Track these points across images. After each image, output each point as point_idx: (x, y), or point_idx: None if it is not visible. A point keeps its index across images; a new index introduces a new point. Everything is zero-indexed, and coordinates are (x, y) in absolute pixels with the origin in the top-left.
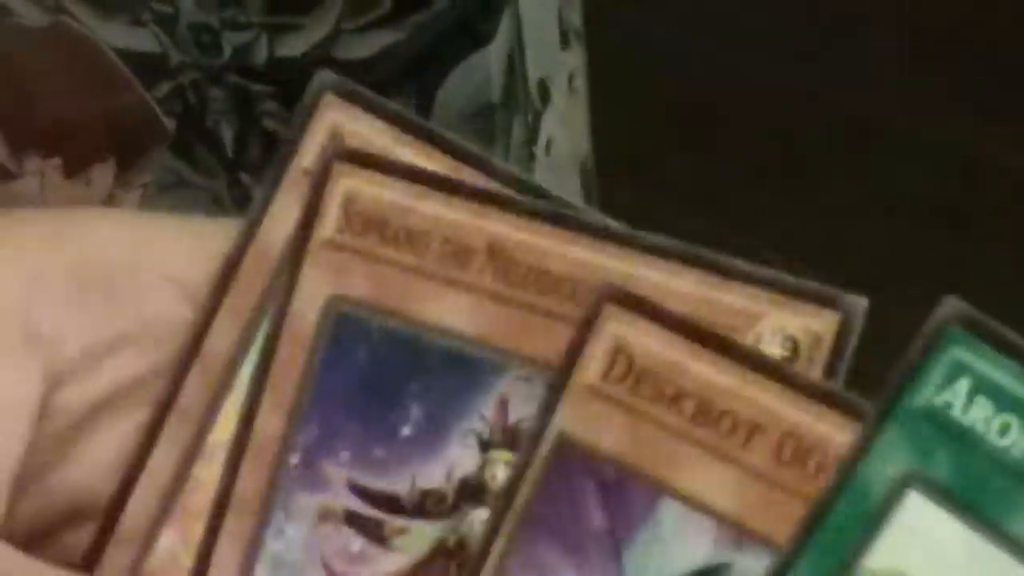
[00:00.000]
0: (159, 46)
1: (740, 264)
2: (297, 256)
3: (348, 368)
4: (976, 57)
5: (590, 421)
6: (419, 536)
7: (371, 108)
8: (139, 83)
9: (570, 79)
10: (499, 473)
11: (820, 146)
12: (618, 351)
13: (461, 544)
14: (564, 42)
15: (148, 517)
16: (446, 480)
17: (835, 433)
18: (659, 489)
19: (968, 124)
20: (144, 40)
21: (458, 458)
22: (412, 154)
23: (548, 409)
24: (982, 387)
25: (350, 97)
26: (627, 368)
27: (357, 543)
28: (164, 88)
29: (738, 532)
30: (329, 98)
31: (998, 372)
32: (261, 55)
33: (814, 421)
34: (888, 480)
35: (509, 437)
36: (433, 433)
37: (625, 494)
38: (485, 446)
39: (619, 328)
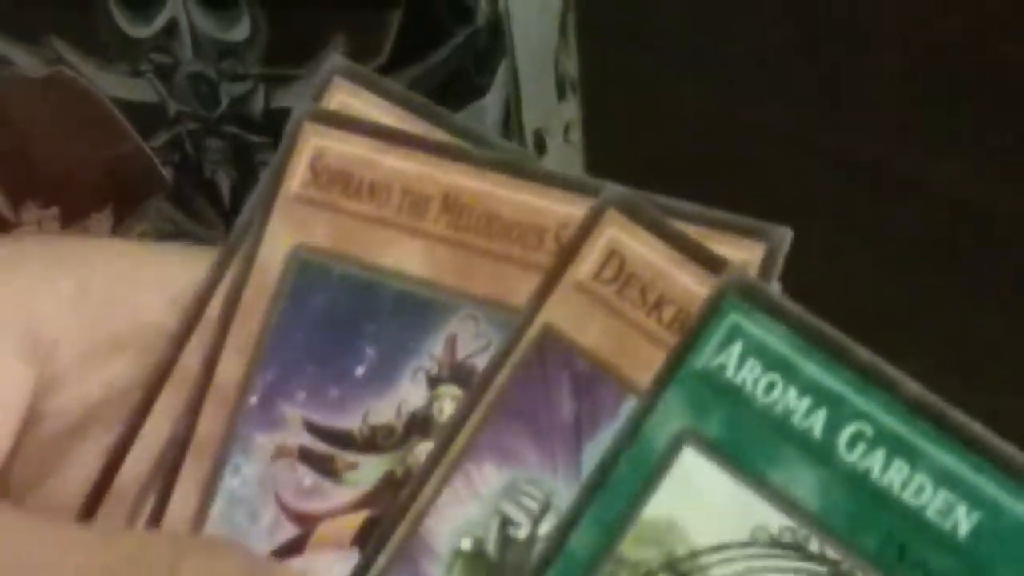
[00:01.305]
0: (157, 96)
1: (678, 204)
2: (265, 209)
3: (308, 313)
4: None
5: (575, 316)
6: (368, 469)
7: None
8: (137, 133)
9: (566, 130)
10: (446, 407)
11: (824, 189)
12: (612, 254)
13: (409, 475)
14: (560, 93)
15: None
16: (396, 415)
17: None
18: (627, 389)
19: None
20: (142, 90)
21: (408, 394)
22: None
23: (537, 301)
24: (752, 349)
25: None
26: (618, 270)
27: (309, 478)
28: (162, 138)
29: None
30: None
31: (768, 335)
32: (258, 106)
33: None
34: (668, 437)
35: (456, 373)
36: (385, 372)
37: (595, 390)
38: (434, 382)
39: (616, 233)
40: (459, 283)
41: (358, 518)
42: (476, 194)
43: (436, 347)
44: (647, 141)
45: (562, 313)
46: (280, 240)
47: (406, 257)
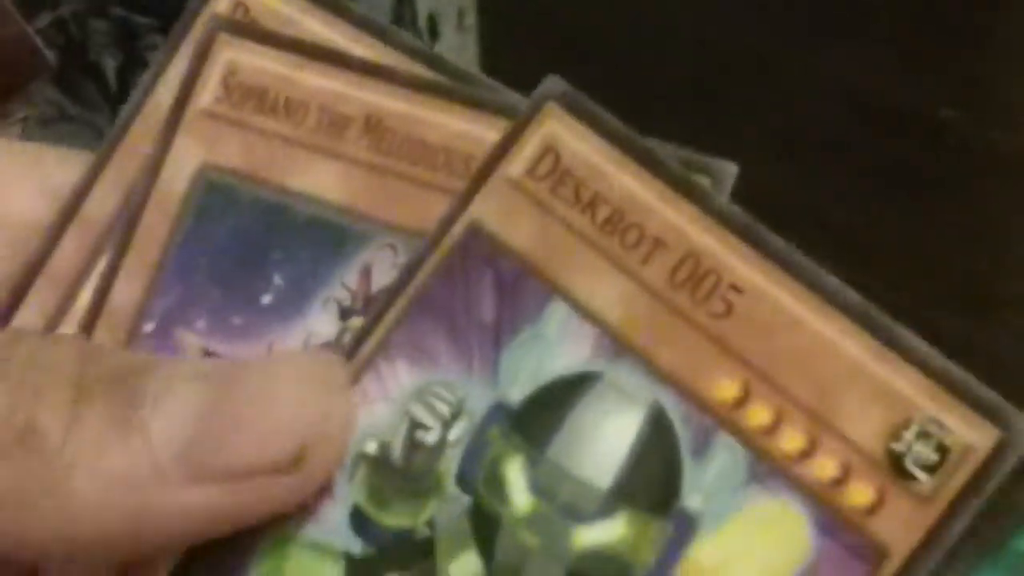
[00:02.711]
0: None
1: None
2: (171, 125)
3: (212, 237)
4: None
5: (505, 214)
6: None
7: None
8: (19, 14)
9: (460, 15)
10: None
11: (728, 83)
12: (547, 149)
13: None
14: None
15: None
16: (302, 346)
17: (735, 261)
18: (552, 291)
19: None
20: None
21: (317, 325)
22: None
23: (465, 197)
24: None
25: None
26: (552, 167)
27: None
28: (45, 19)
29: (617, 344)
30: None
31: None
32: None
33: (717, 246)
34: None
35: (368, 303)
36: (294, 301)
37: (519, 291)
38: (345, 313)
39: (554, 127)
40: (378, 210)
41: None
42: (400, 116)
43: (349, 276)
44: (544, 28)
45: (490, 210)
46: (187, 159)
47: (321, 181)
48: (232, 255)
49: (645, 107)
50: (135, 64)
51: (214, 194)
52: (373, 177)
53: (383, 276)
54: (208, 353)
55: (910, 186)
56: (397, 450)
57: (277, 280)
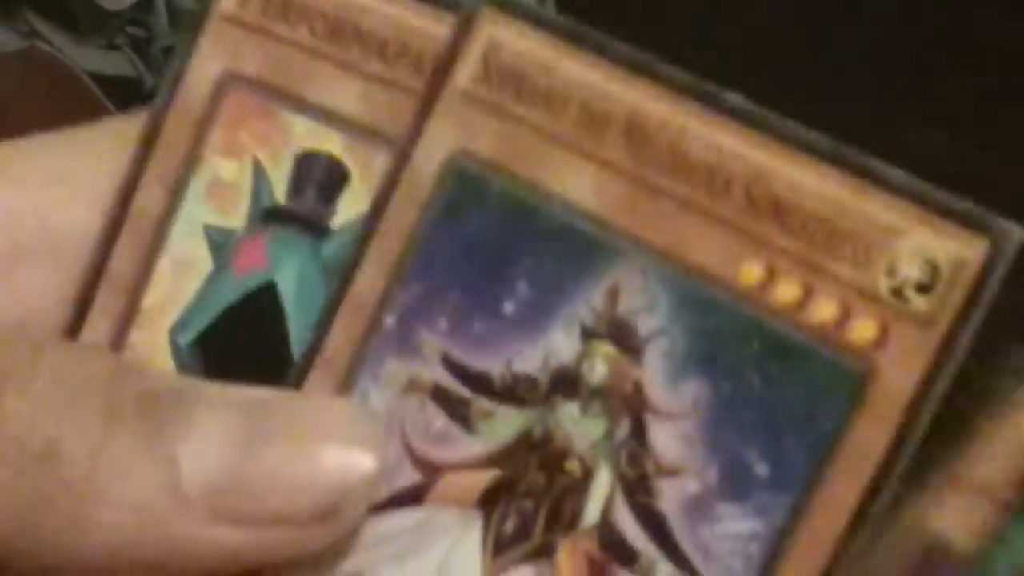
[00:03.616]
0: (133, 70)
1: (890, 171)
2: (427, 105)
3: (460, 230)
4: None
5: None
6: (504, 422)
7: None
8: (113, 107)
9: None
10: (598, 367)
11: None
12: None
13: (547, 437)
14: None
15: None
16: (542, 366)
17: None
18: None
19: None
20: (118, 64)
21: (557, 344)
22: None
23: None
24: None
25: None
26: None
27: (440, 421)
28: (138, 111)
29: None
30: None
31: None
32: None
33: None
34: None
35: (613, 329)
36: (536, 314)
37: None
38: (587, 335)
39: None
40: (631, 225)
41: (487, 476)
42: (663, 123)
43: (595, 295)
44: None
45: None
46: (439, 143)
47: (576, 184)
48: (477, 254)
49: None
50: None
51: (464, 183)
52: (629, 187)
53: (630, 300)
54: (447, 358)
55: None
56: None
57: (522, 288)
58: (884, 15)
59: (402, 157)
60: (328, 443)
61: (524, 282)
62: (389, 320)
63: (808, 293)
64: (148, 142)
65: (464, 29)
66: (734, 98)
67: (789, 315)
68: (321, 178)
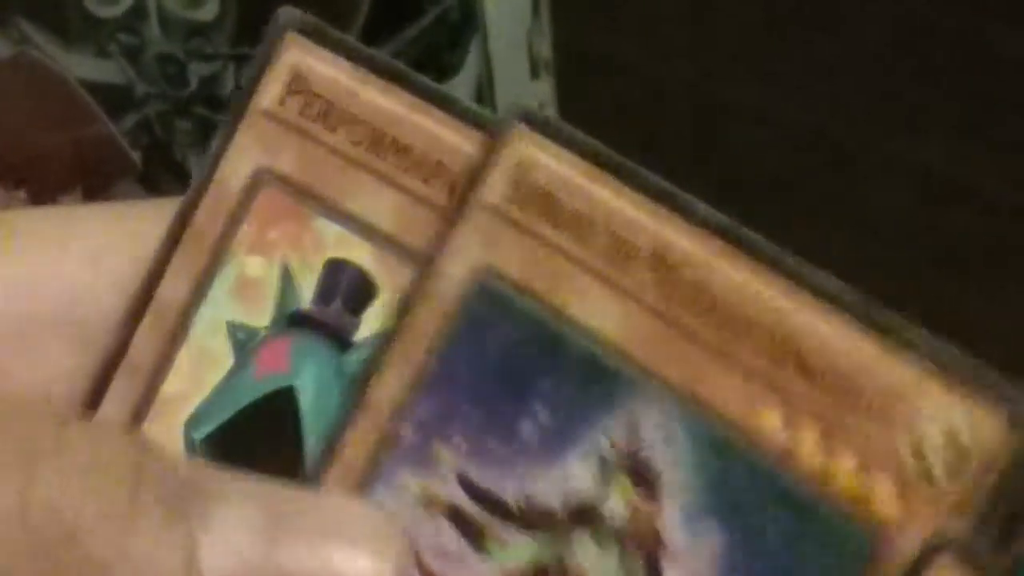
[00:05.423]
0: (125, 77)
1: (917, 333)
2: (455, 216)
3: (481, 346)
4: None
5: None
6: (518, 550)
7: (336, 47)
8: (105, 115)
9: (540, 109)
10: (615, 500)
11: (804, 170)
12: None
13: (561, 569)
14: (534, 72)
15: None
16: (558, 494)
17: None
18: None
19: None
20: (110, 71)
21: (574, 473)
22: (377, 94)
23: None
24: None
25: (314, 35)
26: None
27: (454, 541)
28: (130, 120)
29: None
30: (292, 36)
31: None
32: (228, 86)
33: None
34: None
35: (631, 464)
36: (553, 440)
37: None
38: (605, 467)
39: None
40: (653, 358)
41: None
42: (689, 259)
43: (614, 427)
44: (622, 122)
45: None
46: (466, 257)
47: (601, 312)
48: (496, 372)
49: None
50: None
51: (488, 300)
52: (653, 320)
53: (647, 434)
54: (463, 478)
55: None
56: None
57: (539, 411)
58: (882, 20)
59: (428, 266)
60: (348, 545)
61: (542, 406)
62: (406, 430)
63: (827, 449)
64: (178, 230)
65: (496, 145)
66: (763, 242)
67: (806, 469)
68: (349, 289)
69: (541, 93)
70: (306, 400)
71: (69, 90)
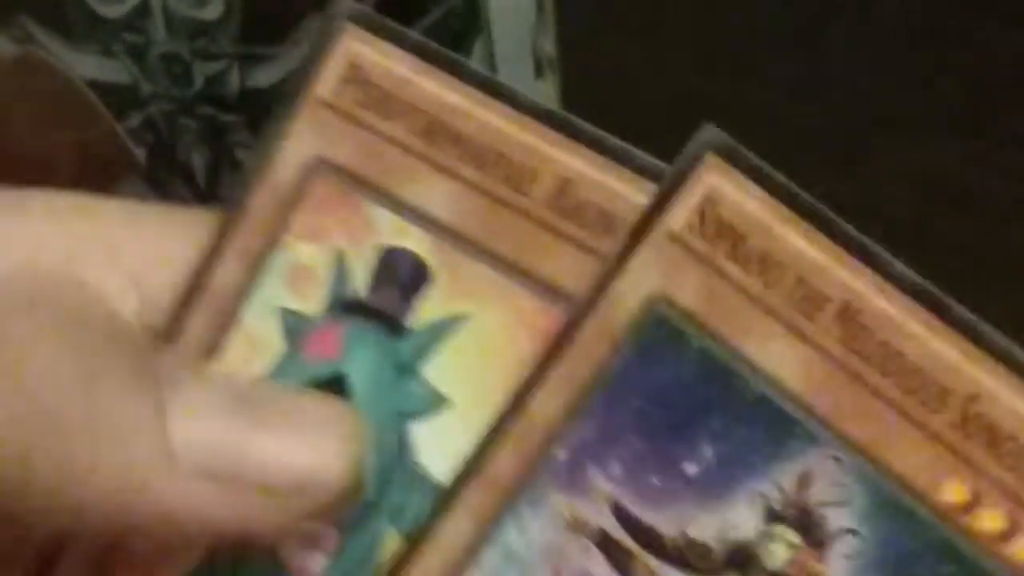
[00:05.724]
0: (129, 77)
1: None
2: (634, 239)
3: (650, 377)
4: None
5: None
6: None
7: (391, 37)
8: (109, 114)
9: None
10: (779, 553)
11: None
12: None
13: None
14: (538, 72)
15: None
16: (718, 537)
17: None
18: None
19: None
20: (114, 71)
21: (738, 519)
22: (433, 83)
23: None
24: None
25: (369, 26)
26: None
27: (601, 569)
28: (135, 119)
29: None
30: (348, 27)
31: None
32: (233, 85)
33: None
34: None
35: (801, 517)
36: (719, 482)
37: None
38: (772, 517)
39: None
40: (834, 413)
41: None
42: (881, 317)
43: (785, 477)
44: (626, 122)
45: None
46: (642, 282)
47: (781, 357)
48: (665, 406)
49: None
50: (223, 161)
51: (661, 330)
52: (838, 373)
53: (821, 491)
54: (618, 508)
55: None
56: None
57: (706, 451)
58: (883, 21)
59: (599, 287)
60: (314, 434)
61: (710, 446)
62: (561, 453)
63: (1013, 527)
64: (232, 216)
65: (683, 175)
66: (959, 309)
67: (990, 546)
68: (404, 276)
69: (545, 92)
70: (357, 386)
71: (74, 89)
